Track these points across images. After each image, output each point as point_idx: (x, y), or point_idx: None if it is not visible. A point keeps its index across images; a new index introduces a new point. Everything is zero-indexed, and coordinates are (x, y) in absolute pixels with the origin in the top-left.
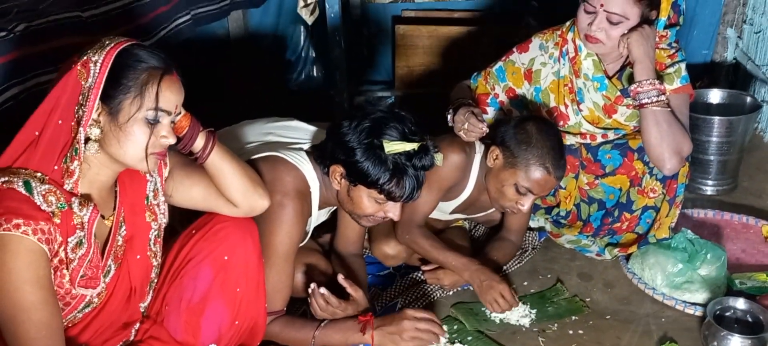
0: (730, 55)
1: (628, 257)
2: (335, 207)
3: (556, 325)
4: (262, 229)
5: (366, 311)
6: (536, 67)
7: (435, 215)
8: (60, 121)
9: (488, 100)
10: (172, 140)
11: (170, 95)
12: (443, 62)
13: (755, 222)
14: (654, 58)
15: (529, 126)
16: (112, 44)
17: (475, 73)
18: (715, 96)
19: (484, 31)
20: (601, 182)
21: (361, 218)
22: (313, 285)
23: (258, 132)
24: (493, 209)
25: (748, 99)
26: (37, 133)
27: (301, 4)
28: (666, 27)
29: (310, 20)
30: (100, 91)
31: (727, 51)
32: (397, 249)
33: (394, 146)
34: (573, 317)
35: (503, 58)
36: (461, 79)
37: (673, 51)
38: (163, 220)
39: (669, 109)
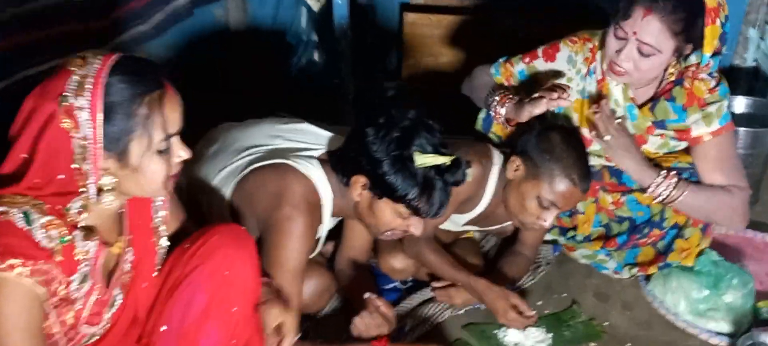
0: (750, 56)
1: (647, 277)
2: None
3: None
4: (270, 242)
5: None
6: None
7: (446, 225)
8: (61, 176)
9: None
10: (188, 154)
11: (175, 115)
12: (454, 53)
13: None
14: (636, 152)
15: (552, 135)
16: (92, 79)
17: (496, 64)
18: (739, 104)
19: (497, 20)
20: (628, 197)
21: (381, 232)
22: (369, 294)
23: (266, 134)
24: (509, 222)
25: None
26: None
27: None
28: (711, 55)
29: (316, 7)
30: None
31: (747, 52)
32: (405, 263)
33: (425, 159)
34: (591, 344)
35: (526, 58)
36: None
37: (714, 84)
38: (166, 242)
39: (693, 187)
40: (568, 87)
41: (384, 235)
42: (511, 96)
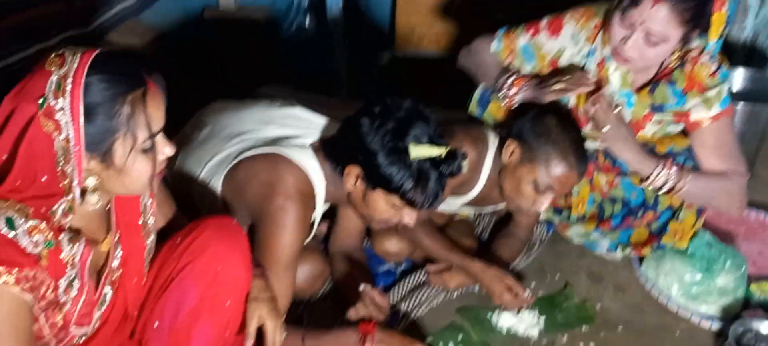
0: (749, 26)
1: (640, 259)
2: None
3: (565, 337)
4: (264, 233)
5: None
6: (564, 61)
7: (440, 207)
8: (44, 178)
9: None
10: (172, 150)
11: (158, 112)
12: (448, 21)
13: None
14: (634, 143)
15: (548, 119)
16: (71, 80)
17: (499, 37)
18: (735, 78)
19: None
20: (622, 180)
21: (374, 221)
22: (364, 285)
23: (258, 119)
24: (503, 203)
25: None
26: (17, 183)
27: None
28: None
29: None
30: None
31: (746, 20)
32: (399, 246)
33: (421, 151)
34: (583, 328)
35: (530, 30)
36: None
37: (715, 68)
38: (154, 236)
39: (692, 176)
40: (594, 83)
41: (376, 223)
42: (526, 77)
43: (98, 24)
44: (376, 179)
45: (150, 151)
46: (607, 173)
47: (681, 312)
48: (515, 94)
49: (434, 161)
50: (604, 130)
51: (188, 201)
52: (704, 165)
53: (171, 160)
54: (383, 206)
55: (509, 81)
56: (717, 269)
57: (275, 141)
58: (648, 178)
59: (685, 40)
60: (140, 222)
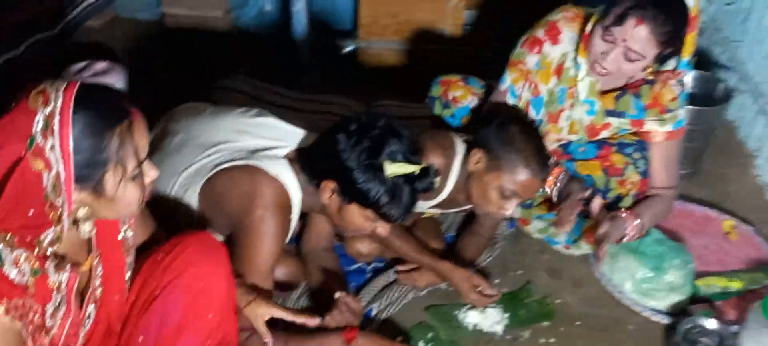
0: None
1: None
2: None
3: (527, 332)
4: (243, 244)
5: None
6: (568, 64)
7: None
8: (31, 212)
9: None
10: (156, 173)
11: (144, 140)
12: (411, 10)
13: (717, 216)
14: (610, 232)
15: (511, 127)
16: (59, 118)
17: (511, 89)
18: (685, 81)
19: None
20: (570, 165)
21: (349, 232)
22: (339, 293)
23: (231, 129)
24: (469, 206)
25: (720, 85)
26: (2, 215)
27: None
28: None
29: None
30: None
31: None
32: (370, 247)
33: (396, 168)
34: (544, 323)
35: (534, 48)
36: (428, 39)
37: (678, 92)
38: (133, 254)
39: (646, 216)
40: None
41: (350, 232)
42: (561, 169)
43: (64, 24)
44: (351, 194)
45: (138, 177)
46: (559, 157)
47: (633, 307)
48: (550, 190)
49: (408, 177)
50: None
51: (160, 210)
52: (654, 177)
53: None
54: (358, 218)
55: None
56: (666, 265)
57: (251, 152)
58: (624, 238)
59: (659, 58)
60: (120, 238)
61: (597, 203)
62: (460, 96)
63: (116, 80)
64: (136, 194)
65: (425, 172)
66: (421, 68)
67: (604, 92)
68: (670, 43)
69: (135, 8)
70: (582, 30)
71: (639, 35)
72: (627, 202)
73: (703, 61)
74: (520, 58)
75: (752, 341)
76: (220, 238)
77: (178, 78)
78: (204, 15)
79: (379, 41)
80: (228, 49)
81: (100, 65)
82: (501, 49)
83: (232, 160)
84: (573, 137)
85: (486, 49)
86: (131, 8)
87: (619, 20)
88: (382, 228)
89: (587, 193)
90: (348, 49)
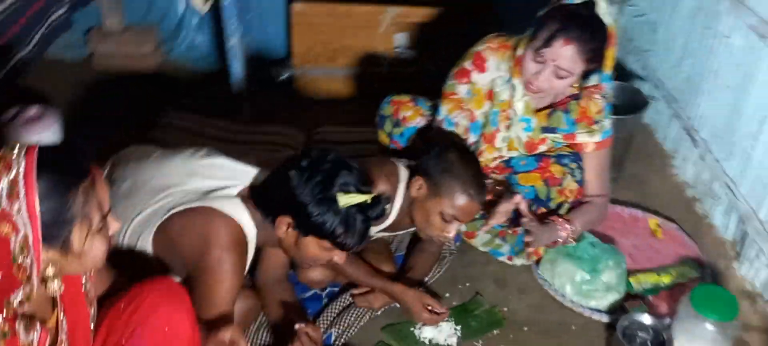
0: None
1: (538, 262)
2: None
3: (480, 342)
4: (202, 286)
5: None
6: (497, 89)
7: None
8: None
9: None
10: (119, 223)
11: (105, 192)
12: (343, 38)
13: (643, 215)
14: (544, 234)
15: (449, 155)
16: (23, 182)
17: (448, 120)
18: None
19: (381, 8)
20: (512, 178)
21: (306, 263)
22: (298, 325)
23: (182, 171)
24: (414, 228)
25: (636, 93)
26: None
27: None
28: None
29: (204, 10)
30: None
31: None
32: (323, 274)
33: (348, 199)
34: (495, 332)
35: (464, 79)
36: (363, 63)
37: (604, 104)
38: (95, 305)
39: (580, 221)
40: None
41: (309, 264)
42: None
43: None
44: (307, 227)
45: (103, 230)
46: (501, 172)
47: (575, 309)
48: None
49: (361, 207)
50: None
51: (116, 257)
52: (588, 185)
53: None
54: (315, 249)
55: None
56: (601, 267)
57: (204, 194)
58: (559, 240)
59: (586, 74)
60: (82, 292)
61: (523, 206)
62: (410, 116)
63: (50, 126)
64: (102, 247)
65: (376, 200)
66: (361, 92)
67: (537, 111)
68: (594, 59)
69: (60, 48)
70: (509, 56)
71: (567, 54)
72: (565, 209)
73: (619, 71)
74: (451, 89)
75: (684, 332)
76: (176, 280)
77: (113, 119)
78: (133, 52)
79: (314, 68)
80: (160, 84)
81: (32, 111)
82: (437, 69)
83: (184, 203)
84: (513, 154)
85: (421, 69)
86: (56, 48)
87: (548, 42)
88: (339, 256)
89: (516, 198)
90: (283, 77)
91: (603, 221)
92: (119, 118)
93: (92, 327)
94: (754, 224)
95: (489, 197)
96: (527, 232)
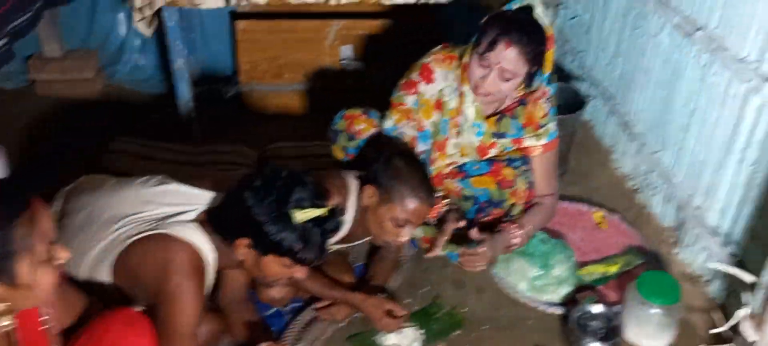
0: None
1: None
2: None
3: (443, 344)
4: (164, 313)
5: None
6: (446, 98)
7: None
8: None
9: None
10: (67, 253)
11: (48, 222)
12: (289, 53)
13: (588, 209)
14: (496, 247)
15: (396, 161)
16: None
17: (392, 128)
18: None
19: (326, 22)
20: (464, 182)
21: (268, 282)
22: (265, 344)
23: (137, 200)
24: (370, 236)
25: (575, 92)
26: None
27: (138, 17)
28: (548, 81)
29: (148, 33)
30: None
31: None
32: (282, 292)
33: (304, 215)
34: (456, 332)
35: (411, 89)
36: (311, 78)
37: (548, 108)
38: (57, 340)
39: (530, 224)
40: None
41: (271, 281)
42: (443, 203)
43: None
44: (266, 247)
45: (50, 259)
46: (454, 177)
47: (530, 304)
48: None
49: (317, 221)
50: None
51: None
52: (538, 186)
53: None
54: (276, 267)
55: None
56: (552, 262)
57: (160, 221)
58: (512, 246)
59: (529, 75)
60: (41, 329)
61: (474, 232)
62: (363, 129)
63: None
64: (50, 277)
65: (332, 212)
66: (310, 106)
67: (487, 117)
68: (535, 61)
69: (1, 78)
70: (456, 66)
71: (510, 56)
72: (517, 209)
73: (558, 72)
74: (399, 100)
75: (632, 317)
76: (139, 309)
77: (59, 147)
78: (74, 77)
79: (261, 85)
80: (105, 109)
81: None
82: (383, 81)
83: (142, 232)
84: (466, 159)
85: (369, 81)
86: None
87: (491, 46)
88: (300, 272)
89: (461, 223)
90: (230, 94)
91: (552, 219)
92: (66, 146)
93: None
94: (690, 210)
95: (433, 214)
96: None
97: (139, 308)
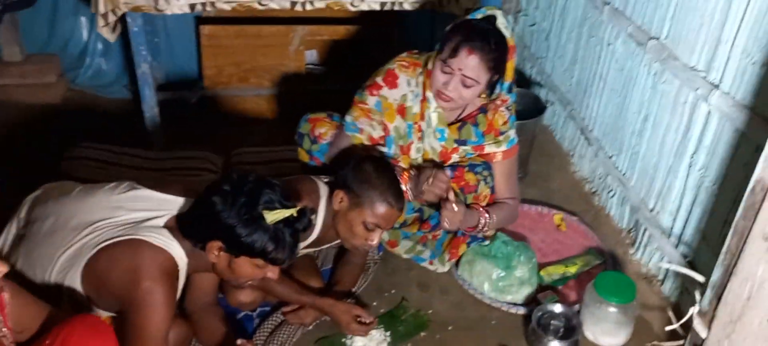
0: None
1: (457, 263)
2: None
3: (409, 345)
4: (135, 319)
5: None
6: (409, 103)
7: None
8: None
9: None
10: (6, 267)
11: None
12: (254, 58)
13: (548, 211)
14: (465, 217)
15: (366, 166)
16: None
17: (348, 124)
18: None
19: (291, 27)
20: None
21: (241, 283)
22: (241, 341)
23: (106, 206)
24: (338, 241)
25: (535, 98)
26: None
27: (102, 23)
28: (508, 89)
29: (112, 38)
30: None
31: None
32: (252, 296)
33: (275, 215)
34: (421, 334)
35: (374, 91)
36: (276, 76)
37: (508, 116)
38: None
39: (496, 216)
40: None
41: (243, 284)
42: (408, 171)
43: None
44: (238, 248)
45: None
46: None
47: (494, 304)
48: (406, 188)
49: (288, 221)
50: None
51: (45, 296)
52: (499, 190)
53: (7, 259)
54: (248, 268)
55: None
56: (514, 263)
57: (130, 226)
58: (477, 226)
59: (491, 83)
60: None
61: (451, 195)
62: (324, 132)
63: None
64: None
65: (302, 212)
66: (275, 111)
67: (449, 125)
68: (496, 68)
69: None
70: (420, 72)
71: (471, 63)
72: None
73: (518, 77)
74: (362, 99)
75: (590, 315)
76: (104, 315)
77: (20, 153)
78: (36, 82)
79: (226, 89)
80: (67, 114)
81: None
82: (346, 85)
83: (112, 238)
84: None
85: (332, 85)
86: None
87: (453, 53)
88: (272, 272)
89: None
90: (195, 99)
91: (515, 220)
92: (26, 152)
93: None
94: (644, 212)
95: (404, 180)
96: (447, 210)
97: (105, 315)
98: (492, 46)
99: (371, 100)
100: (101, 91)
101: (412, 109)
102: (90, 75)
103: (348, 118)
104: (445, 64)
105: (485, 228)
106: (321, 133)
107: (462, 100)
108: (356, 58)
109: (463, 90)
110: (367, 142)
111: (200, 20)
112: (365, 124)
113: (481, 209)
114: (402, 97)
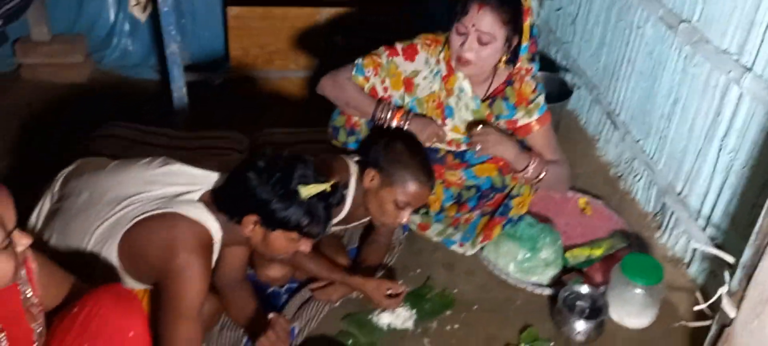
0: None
1: (482, 246)
2: None
3: (435, 322)
4: (171, 289)
5: None
6: (418, 80)
7: None
8: None
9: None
10: (28, 240)
11: (9, 211)
12: (280, 41)
13: (572, 195)
14: (512, 144)
15: (397, 145)
16: None
17: (358, 65)
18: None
19: (316, 10)
20: (467, 171)
21: (276, 256)
22: (273, 314)
23: (141, 180)
24: (367, 219)
25: (561, 82)
26: None
27: (133, 2)
28: (531, 59)
29: (143, 18)
30: None
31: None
32: (282, 271)
33: (309, 190)
34: (447, 312)
35: (387, 52)
36: (301, 58)
37: (535, 85)
38: (42, 318)
39: (548, 166)
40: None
41: (278, 257)
42: (401, 111)
43: None
44: (274, 223)
45: (9, 247)
46: (456, 169)
47: (519, 285)
48: (397, 125)
49: (322, 195)
50: (477, 149)
51: (78, 266)
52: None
53: (50, 227)
54: (283, 242)
55: (389, 115)
56: (540, 245)
57: (166, 200)
58: (524, 170)
59: (509, 41)
60: (23, 308)
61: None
62: (359, 119)
63: None
64: (9, 265)
65: (335, 187)
66: (303, 92)
67: (482, 101)
68: (513, 24)
69: None
70: (440, 50)
71: (484, 18)
72: (521, 190)
73: (543, 61)
74: (377, 53)
75: (617, 297)
76: (139, 286)
77: (49, 132)
78: (63, 62)
79: (252, 71)
80: (93, 94)
81: None
82: None
83: (147, 212)
84: (460, 138)
85: None
86: None
87: (464, 10)
88: (306, 245)
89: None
90: (220, 81)
91: (568, 186)
92: (56, 130)
93: (39, 344)
94: (671, 196)
95: (398, 118)
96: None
97: (138, 287)
98: (503, 0)
99: (384, 58)
100: (128, 72)
101: (429, 88)
102: (117, 56)
103: (359, 61)
104: (460, 25)
105: (534, 178)
106: (357, 122)
107: (481, 62)
108: (381, 41)
109: (480, 49)
110: (367, 91)
111: (227, 1)
112: (371, 74)
113: (533, 156)
114: (412, 72)
